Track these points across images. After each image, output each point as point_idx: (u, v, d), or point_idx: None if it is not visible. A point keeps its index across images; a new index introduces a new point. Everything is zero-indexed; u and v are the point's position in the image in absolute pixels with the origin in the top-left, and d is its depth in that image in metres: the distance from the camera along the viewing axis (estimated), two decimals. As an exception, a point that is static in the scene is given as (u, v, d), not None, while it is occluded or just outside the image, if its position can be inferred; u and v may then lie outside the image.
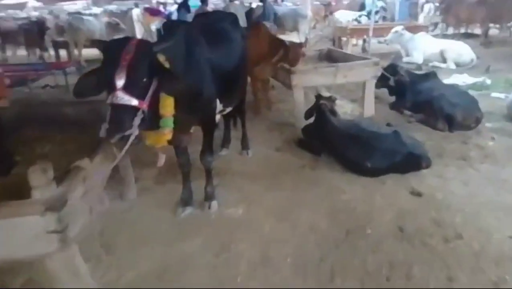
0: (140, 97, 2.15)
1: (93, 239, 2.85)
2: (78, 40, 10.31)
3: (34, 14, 18.89)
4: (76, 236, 1.89)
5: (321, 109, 4.17)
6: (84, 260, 2.14)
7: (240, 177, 3.88)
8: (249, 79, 5.59)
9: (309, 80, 5.07)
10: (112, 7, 18.41)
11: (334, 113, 4.31)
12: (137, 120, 2.12)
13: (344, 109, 5.71)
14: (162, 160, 2.62)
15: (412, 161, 3.71)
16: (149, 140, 2.58)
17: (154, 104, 2.34)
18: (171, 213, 3.29)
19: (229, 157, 4.38)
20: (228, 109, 3.63)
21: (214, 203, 3.31)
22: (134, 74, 2.11)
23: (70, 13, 14.31)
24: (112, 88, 2.08)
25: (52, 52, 11.41)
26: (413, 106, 5.49)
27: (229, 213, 3.28)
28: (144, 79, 2.17)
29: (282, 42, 5.40)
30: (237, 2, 9.12)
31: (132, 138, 2.11)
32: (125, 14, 13.04)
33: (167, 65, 2.37)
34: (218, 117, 3.67)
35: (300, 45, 5.43)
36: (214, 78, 2.99)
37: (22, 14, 20.29)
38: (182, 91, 2.36)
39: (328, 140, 4.04)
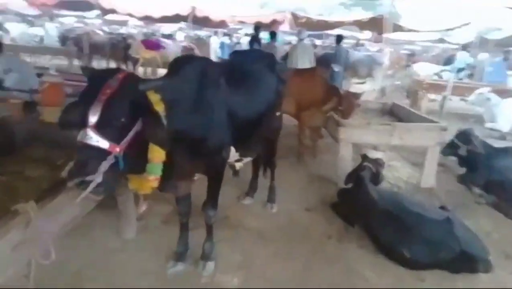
0: (114, 139, 1.85)
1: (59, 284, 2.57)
2: (153, 60, 10.79)
3: (133, 31, 20.71)
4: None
5: (359, 174, 3.57)
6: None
7: (252, 235, 3.41)
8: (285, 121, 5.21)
9: (359, 136, 4.49)
10: (203, 33, 19.41)
11: (377, 179, 3.69)
12: (104, 166, 1.81)
13: (399, 174, 4.99)
14: (142, 207, 2.28)
15: (464, 261, 2.94)
16: (132, 184, 2.27)
17: (139, 147, 2.04)
18: (163, 263, 2.91)
19: (249, 208, 3.94)
20: (247, 159, 3.23)
21: (209, 265, 2.87)
22: (111, 112, 1.82)
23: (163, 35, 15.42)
24: (83, 124, 1.81)
25: (130, 66, 12.13)
26: (485, 184, 4.60)
27: (222, 279, 2.81)
28: (122, 120, 1.87)
29: (335, 89, 4.95)
30: (306, 42, 8.80)
31: (92, 185, 1.79)
32: (204, 41, 13.54)
33: (160, 106, 2.06)
34: (239, 164, 3.30)
35: (355, 95, 4.92)
36: (231, 124, 2.63)
37: (122, 30, 22.34)
38: (168, 140, 2.04)
39: (362, 212, 3.42)
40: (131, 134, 1.93)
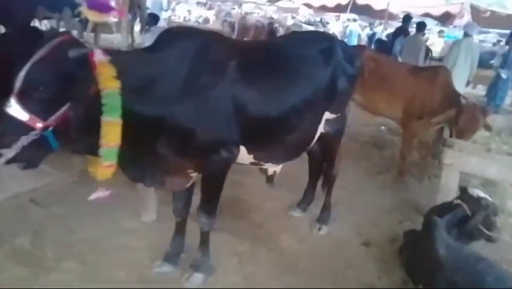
0: (39, 113, 1.59)
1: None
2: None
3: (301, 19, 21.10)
4: None
5: (431, 217, 2.52)
6: None
7: (274, 258, 2.80)
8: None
9: (473, 165, 3.23)
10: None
11: (469, 228, 2.58)
12: (22, 141, 1.56)
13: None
14: (96, 194, 1.96)
15: None
16: (90, 168, 2.00)
17: (86, 126, 1.74)
18: (155, 258, 2.61)
19: (293, 223, 3.29)
20: (272, 166, 2.62)
21: (196, 277, 2.44)
22: (33, 81, 1.57)
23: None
24: (10, 92, 1.60)
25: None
26: None
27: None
28: (41, 90, 1.58)
29: (457, 98, 3.71)
30: (473, 39, 6.95)
31: (2, 160, 1.57)
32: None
33: (111, 83, 1.72)
34: (272, 170, 2.73)
35: (483, 110, 3.59)
36: (238, 119, 2.11)
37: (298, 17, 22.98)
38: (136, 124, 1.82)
39: (425, 270, 2.41)
40: (63, 109, 1.65)
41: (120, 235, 2.84)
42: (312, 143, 2.73)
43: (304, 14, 24.67)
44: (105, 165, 1.84)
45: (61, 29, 9.10)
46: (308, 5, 17.87)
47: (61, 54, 1.58)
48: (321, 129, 2.71)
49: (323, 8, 17.13)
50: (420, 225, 2.94)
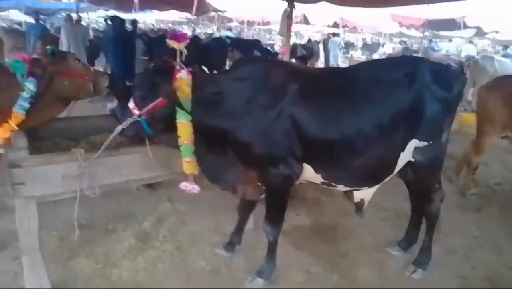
0: (138, 104, 2.27)
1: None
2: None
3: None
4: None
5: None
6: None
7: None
8: None
9: None
10: None
11: None
12: (128, 121, 2.26)
13: None
14: (184, 184, 2.39)
15: None
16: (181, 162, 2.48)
17: (170, 124, 2.27)
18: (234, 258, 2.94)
19: (384, 260, 3.01)
20: (345, 188, 2.61)
21: (257, 281, 2.63)
22: (137, 86, 2.32)
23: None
24: None
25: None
26: None
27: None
28: (142, 93, 2.27)
29: None
30: None
31: (116, 132, 2.27)
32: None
33: (186, 93, 2.23)
34: (359, 196, 2.70)
35: None
36: (298, 138, 2.31)
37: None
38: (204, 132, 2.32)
39: None
40: (151, 104, 2.23)
41: (216, 235, 3.25)
42: (394, 171, 2.56)
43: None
44: (186, 160, 2.32)
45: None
46: None
47: (152, 72, 2.30)
48: (407, 157, 2.53)
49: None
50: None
